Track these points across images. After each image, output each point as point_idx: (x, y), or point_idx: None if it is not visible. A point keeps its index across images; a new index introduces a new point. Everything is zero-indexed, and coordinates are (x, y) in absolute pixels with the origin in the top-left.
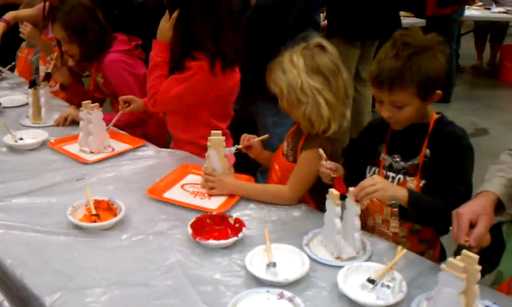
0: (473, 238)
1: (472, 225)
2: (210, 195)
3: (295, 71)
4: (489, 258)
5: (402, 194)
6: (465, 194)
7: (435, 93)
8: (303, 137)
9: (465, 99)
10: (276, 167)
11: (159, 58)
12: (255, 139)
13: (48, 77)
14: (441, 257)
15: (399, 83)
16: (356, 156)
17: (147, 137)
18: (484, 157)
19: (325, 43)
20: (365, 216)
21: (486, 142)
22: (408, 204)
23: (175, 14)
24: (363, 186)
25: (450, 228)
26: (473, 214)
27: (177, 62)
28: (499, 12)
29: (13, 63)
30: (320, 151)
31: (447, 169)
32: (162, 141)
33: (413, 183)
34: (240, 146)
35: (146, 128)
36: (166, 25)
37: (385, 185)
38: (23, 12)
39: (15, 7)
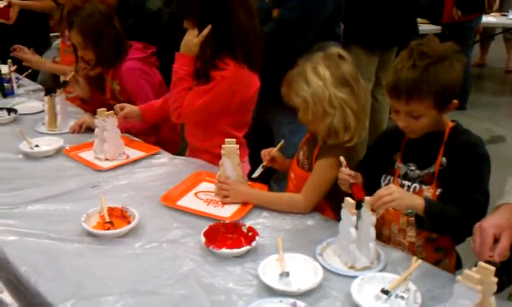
0: (497, 253)
1: (496, 239)
2: (224, 203)
3: (321, 82)
4: (507, 271)
5: (418, 202)
6: (482, 202)
7: (452, 103)
8: (317, 146)
9: (481, 106)
10: (292, 175)
11: (183, 71)
12: (274, 151)
13: (64, 84)
14: (457, 266)
15: (416, 94)
16: (371, 164)
17: (161, 144)
18: (501, 165)
19: (342, 51)
20: (380, 226)
21: (503, 150)
22: (424, 213)
23: (206, 31)
24: (380, 195)
25: (469, 238)
26: (497, 228)
27: (204, 73)
28: None
29: (29, 70)
30: (341, 158)
31: (464, 177)
32: (176, 147)
33: (430, 191)
34: (264, 163)
35: (160, 135)
36: (193, 40)
37: (402, 194)
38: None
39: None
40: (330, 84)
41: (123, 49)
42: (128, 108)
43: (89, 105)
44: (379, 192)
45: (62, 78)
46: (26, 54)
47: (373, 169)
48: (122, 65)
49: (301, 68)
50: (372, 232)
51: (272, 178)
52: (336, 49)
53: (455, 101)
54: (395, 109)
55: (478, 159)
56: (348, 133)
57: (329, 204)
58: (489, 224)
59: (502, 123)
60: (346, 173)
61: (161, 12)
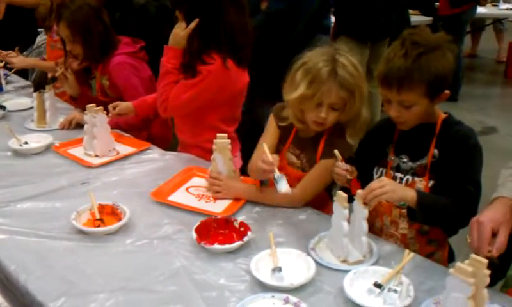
0: (496, 247)
1: (493, 234)
2: (216, 198)
3: (358, 74)
4: (501, 265)
5: (410, 195)
6: (474, 193)
7: (443, 93)
8: (320, 145)
9: (473, 97)
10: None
11: (170, 64)
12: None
13: (53, 80)
14: (450, 258)
15: (407, 83)
16: (364, 157)
17: (152, 139)
18: (492, 156)
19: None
20: (372, 218)
21: (495, 141)
22: (416, 205)
23: (193, 24)
24: (372, 188)
25: (461, 230)
26: (494, 223)
27: (190, 67)
28: (507, 8)
29: (14, 69)
30: (336, 152)
31: (456, 168)
32: (167, 142)
33: (422, 183)
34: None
35: (151, 130)
36: (180, 33)
37: (394, 187)
38: None
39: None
40: (363, 74)
41: (112, 44)
42: (122, 105)
43: (79, 102)
44: (371, 185)
45: (50, 75)
46: (11, 57)
47: (366, 162)
48: (111, 60)
49: (336, 61)
50: (365, 226)
51: None
52: (341, 45)
53: (447, 91)
54: (387, 98)
55: (470, 150)
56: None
57: (331, 197)
58: (486, 219)
59: (494, 114)
60: (343, 168)
61: (148, 5)
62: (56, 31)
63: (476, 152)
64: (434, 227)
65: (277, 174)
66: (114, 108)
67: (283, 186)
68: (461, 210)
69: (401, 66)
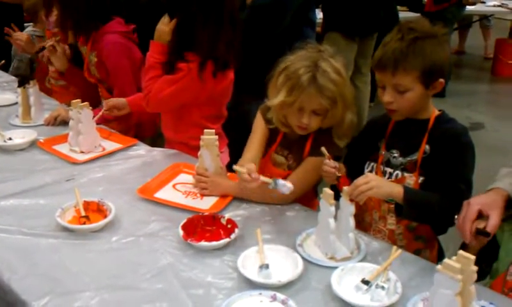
0: (490, 225)
1: (482, 215)
2: (202, 195)
3: (342, 80)
4: (486, 258)
5: (397, 190)
6: (464, 191)
7: (438, 81)
8: (306, 145)
9: (460, 94)
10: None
11: (154, 59)
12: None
13: (41, 50)
14: (439, 257)
15: (402, 65)
16: (356, 153)
17: (139, 126)
18: (479, 151)
19: (328, 48)
20: (362, 212)
21: (482, 137)
22: (403, 200)
23: (174, 22)
24: (357, 185)
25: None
26: (483, 206)
27: (169, 63)
28: (494, 5)
29: (3, 61)
30: (323, 149)
31: (446, 165)
32: (154, 130)
33: (412, 179)
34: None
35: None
36: (165, 29)
37: (379, 183)
38: None
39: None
40: (347, 79)
41: (102, 14)
42: (115, 99)
43: (66, 77)
44: (356, 181)
45: (38, 46)
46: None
47: (358, 156)
48: (104, 38)
49: (319, 68)
50: (352, 222)
51: None
52: (323, 46)
53: (441, 80)
54: (382, 83)
55: (461, 148)
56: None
57: (317, 195)
58: (476, 201)
59: (481, 110)
60: (331, 166)
61: None
62: (53, 23)
63: (468, 150)
64: (423, 224)
65: (268, 180)
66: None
67: (286, 185)
68: (449, 207)
69: (396, 48)
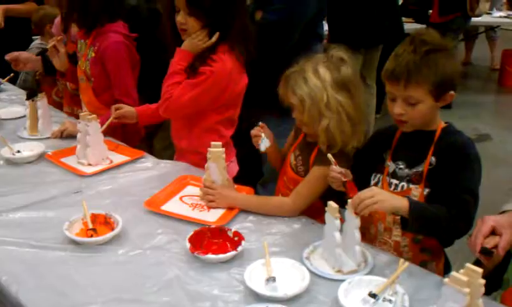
0: (501, 247)
1: (494, 234)
2: (209, 207)
3: (320, 83)
4: (497, 274)
5: (402, 204)
6: (470, 203)
7: (448, 94)
8: (314, 150)
9: (467, 105)
10: (285, 179)
11: (180, 66)
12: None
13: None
14: (446, 270)
15: (415, 78)
16: (362, 164)
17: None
18: (486, 163)
19: (346, 55)
20: (368, 223)
21: (489, 148)
22: (408, 214)
23: (214, 38)
24: (361, 198)
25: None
26: (497, 223)
27: (192, 67)
28: (500, 16)
29: (11, 74)
30: (329, 156)
31: (452, 177)
32: (139, 136)
33: (418, 191)
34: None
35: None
36: (199, 44)
37: (383, 197)
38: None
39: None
40: (329, 85)
41: (113, 11)
42: (125, 108)
43: (68, 78)
44: (360, 194)
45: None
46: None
47: (364, 169)
48: (107, 36)
49: (300, 67)
50: (357, 235)
51: (259, 182)
52: (338, 52)
53: (452, 92)
54: (393, 96)
55: (467, 160)
56: (346, 138)
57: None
58: (491, 218)
59: (488, 121)
60: (337, 171)
61: (140, 8)
62: (75, 36)
63: (474, 162)
64: (429, 237)
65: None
66: (116, 109)
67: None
68: (455, 219)
69: (410, 60)
